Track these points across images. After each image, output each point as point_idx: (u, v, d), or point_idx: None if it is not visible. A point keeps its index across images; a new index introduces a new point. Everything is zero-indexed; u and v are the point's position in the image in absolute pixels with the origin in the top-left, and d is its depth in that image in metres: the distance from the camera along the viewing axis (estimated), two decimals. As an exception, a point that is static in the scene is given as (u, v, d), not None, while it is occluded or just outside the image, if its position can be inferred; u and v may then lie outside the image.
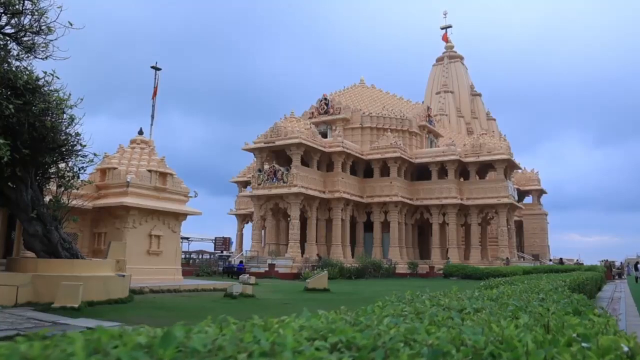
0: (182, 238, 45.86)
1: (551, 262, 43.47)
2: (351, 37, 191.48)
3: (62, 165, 14.45)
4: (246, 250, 42.39)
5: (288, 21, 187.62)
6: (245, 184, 49.91)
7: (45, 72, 13.01)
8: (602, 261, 55.59)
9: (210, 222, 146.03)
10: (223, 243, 45.52)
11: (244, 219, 50.74)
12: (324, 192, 39.36)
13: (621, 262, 69.47)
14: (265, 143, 38.81)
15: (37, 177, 13.62)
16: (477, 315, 2.05)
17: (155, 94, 21.94)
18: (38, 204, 13.11)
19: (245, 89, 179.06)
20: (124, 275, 13.82)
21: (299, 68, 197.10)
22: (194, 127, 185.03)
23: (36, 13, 11.56)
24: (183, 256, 44.75)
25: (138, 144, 21.30)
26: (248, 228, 46.59)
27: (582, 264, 46.80)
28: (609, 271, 39.85)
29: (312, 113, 46.32)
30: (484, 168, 44.74)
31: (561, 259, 50.09)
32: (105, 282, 13.04)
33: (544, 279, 8.29)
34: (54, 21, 11.91)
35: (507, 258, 40.86)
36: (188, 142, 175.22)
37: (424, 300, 2.56)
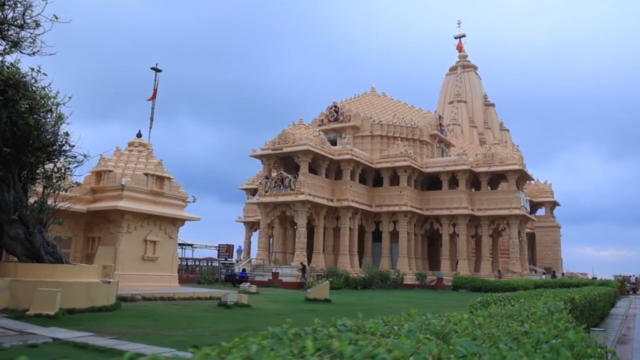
0: (186, 244, 45.44)
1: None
2: (363, 45, 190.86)
3: (50, 165, 13.90)
4: (253, 258, 41.78)
5: (300, 29, 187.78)
6: (253, 192, 49.40)
7: (32, 69, 12.54)
8: (617, 276, 53.80)
9: (220, 229, 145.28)
10: (227, 250, 44.89)
11: (252, 226, 50.18)
12: (332, 201, 38.61)
13: (636, 277, 67.29)
14: (272, 150, 38.25)
15: (22, 178, 13.08)
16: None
17: (154, 95, 21.44)
18: (21, 206, 12.56)
19: (257, 96, 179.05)
20: (109, 282, 13.19)
21: (310, 75, 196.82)
22: (205, 134, 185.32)
23: (20, 5, 11.07)
24: (190, 263, 44.26)
25: (136, 146, 20.71)
26: (256, 236, 45.94)
27: (596, 278, 45.28)
28: (623, 286, 38.35)
29: (322, 120, 45.72)
30: (495, 178, 43.72)
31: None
32: (88, 288, 12.41)
33: (544, 297, 7.30)
34: (40, 14, 11.42)
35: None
36: (199, 148, 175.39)
37: (306, 339, 1.62)
